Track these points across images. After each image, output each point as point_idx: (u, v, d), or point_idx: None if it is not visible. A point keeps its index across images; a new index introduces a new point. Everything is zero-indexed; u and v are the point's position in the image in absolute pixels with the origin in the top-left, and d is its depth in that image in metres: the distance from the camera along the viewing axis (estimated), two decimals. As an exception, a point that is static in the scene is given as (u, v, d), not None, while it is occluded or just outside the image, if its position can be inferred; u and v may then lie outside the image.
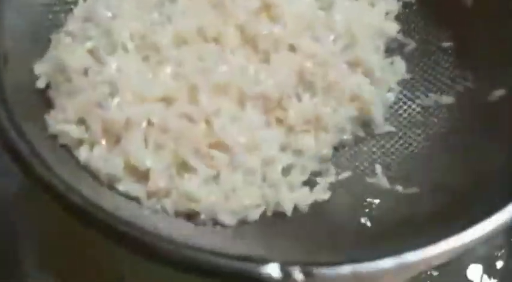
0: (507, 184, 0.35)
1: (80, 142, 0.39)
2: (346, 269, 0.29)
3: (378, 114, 0.46)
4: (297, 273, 0.29)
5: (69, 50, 0.42)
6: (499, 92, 0.42)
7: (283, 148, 0.43)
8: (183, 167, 0.40)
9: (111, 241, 0.32)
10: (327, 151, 0.45)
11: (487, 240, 0.32)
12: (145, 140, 0.40)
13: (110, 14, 0.44)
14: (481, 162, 0.39)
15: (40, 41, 0.44)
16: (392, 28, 0.50)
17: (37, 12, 0.45)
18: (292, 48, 0.45)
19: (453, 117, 0.45)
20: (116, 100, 0.40)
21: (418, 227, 0.36)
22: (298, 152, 0.43)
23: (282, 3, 0.45)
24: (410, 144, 0.46)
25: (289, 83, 0.44)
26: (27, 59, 0.42)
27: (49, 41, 0.44)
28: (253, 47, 0.45)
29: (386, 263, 0.30)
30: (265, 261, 0.30)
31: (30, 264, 0.45)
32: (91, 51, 0.42)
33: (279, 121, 0.44)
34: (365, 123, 0.46)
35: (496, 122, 0.41)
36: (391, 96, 0.48)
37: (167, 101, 0.41)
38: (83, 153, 0.39)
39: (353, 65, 0.47)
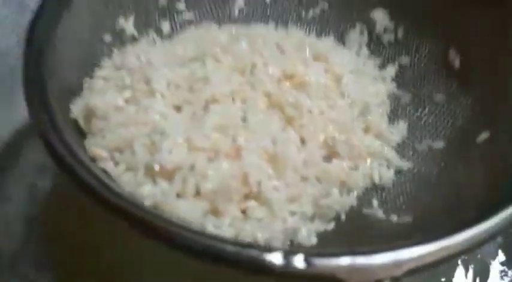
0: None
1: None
2: (345, 260, 0.31)
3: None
4: (299, 261, 0.31)
5: (103, 93, 0.45)
6: (484, 135, 0.47)
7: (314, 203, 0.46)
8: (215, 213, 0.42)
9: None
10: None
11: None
12: (184, 182, 0.42)
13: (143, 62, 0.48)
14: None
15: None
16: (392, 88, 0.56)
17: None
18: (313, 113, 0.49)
19: (443, 158, 0.50)
20: (167, 143, 0.42)
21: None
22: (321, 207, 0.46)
23: (301, 73, 0.51)
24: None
25: (316, 147, 0.48)
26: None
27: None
28: (280, 110, 0.49)
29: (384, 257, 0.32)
30: (269, 249, 0.32)
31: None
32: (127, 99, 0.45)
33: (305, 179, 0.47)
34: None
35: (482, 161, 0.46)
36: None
37: (211, 150, 0.43)
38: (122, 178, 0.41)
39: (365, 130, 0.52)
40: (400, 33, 0.59)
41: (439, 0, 0.56)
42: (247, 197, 0.43)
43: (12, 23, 0.61)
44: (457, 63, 0.55)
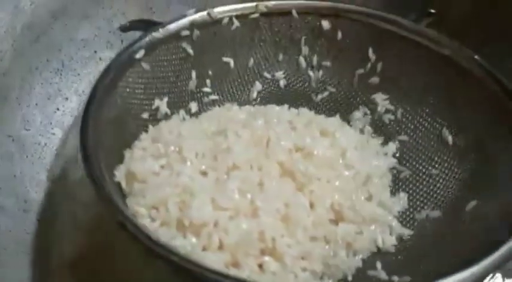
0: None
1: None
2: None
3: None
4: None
5: (142, 161, 0.52)
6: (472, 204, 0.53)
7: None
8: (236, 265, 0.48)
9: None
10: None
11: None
12: (209, 237, 0.48)
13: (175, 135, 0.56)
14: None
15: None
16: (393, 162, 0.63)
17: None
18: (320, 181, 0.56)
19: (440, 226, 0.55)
20: (196, 202, 0.48)
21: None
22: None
23: (310, 146, 0.58)
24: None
25: (323, 210, 0.54)
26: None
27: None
28: (291, 177, 0.55)
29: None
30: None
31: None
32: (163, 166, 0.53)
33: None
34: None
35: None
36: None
37: (232, 210, 0.50)
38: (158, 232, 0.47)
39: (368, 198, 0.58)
40: (399, 114, 0.66)
41: (431, 86, 0.65)
42: (263, 252, 0.49)
43: (6, 26, 0.60)
44: (450, 140, 0.62)
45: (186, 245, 0.47)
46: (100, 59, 0.73)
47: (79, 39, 0.72)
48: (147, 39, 0.61)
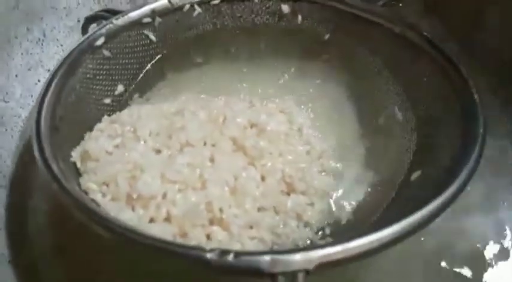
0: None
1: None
2: (267, 256, 0.40)
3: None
4: (230, 257, 0.40)
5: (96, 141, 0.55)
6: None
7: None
8: (184, 236, 0.50)
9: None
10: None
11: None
12: (157, 209, 0.50)
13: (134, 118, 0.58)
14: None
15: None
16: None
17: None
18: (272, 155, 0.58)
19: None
20: (144, 177, 0.51)
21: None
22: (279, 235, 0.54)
23: (264, 122, 0.60)
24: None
25: (274, 182, 0.56)
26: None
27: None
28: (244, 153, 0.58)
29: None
30: (209, 249, 0.41)
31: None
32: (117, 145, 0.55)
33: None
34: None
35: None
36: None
37: (181, 183, 0.52)
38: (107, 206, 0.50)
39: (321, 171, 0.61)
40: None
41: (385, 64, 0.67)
42: (211, 223, 0.52)
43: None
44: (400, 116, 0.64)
45: (133, 217, 0.49)
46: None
47: (61, 7, 0.71)
48: (107, 26, 0.63)
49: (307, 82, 0.71)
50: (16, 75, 0.65)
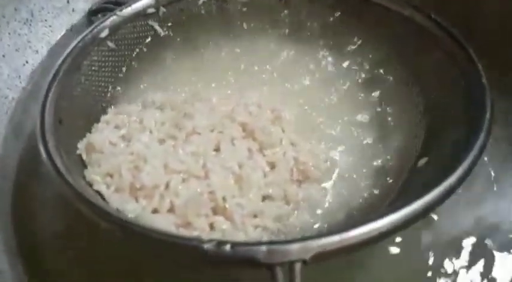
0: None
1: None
2: (263, 247, 0.40)
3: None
4: (227, 248, 0.40)
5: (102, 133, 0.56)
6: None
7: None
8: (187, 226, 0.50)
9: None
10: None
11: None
12: (160, 199, 0.51)
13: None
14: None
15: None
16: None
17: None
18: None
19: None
20: (147, 167, 0.52)
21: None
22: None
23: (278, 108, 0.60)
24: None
25: (284, 170, 0.56)
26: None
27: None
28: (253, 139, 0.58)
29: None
30: (206, 240, 0.41)
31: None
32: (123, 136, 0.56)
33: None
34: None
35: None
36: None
37: (184, 172, 0.53)
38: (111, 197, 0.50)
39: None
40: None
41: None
42: (215, 213, 0.52)
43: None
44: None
45: (137, 208, 0.50)
46: (73, 10, 0.72)
47: None
48: (111, 18, 0.64)
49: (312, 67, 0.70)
50: (3, 56, 0.65)
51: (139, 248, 0.45)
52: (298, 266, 0.39)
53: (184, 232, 0.50)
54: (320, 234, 0.41)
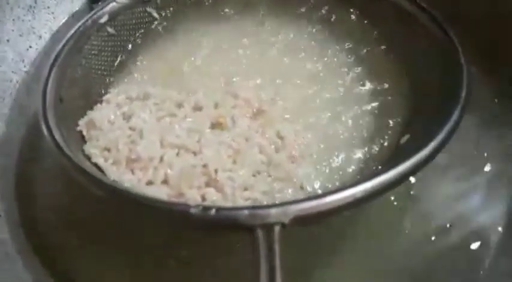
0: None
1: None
2: (245, 211, 0.43)
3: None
4: (212, 211, 0.44)
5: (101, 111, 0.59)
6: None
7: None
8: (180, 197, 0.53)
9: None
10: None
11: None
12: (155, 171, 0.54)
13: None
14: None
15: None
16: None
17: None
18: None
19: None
20: (143, 142, 0.55)
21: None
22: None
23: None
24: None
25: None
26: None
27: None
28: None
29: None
30: (194, 205, 0.44)
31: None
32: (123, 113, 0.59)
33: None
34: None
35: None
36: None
37: (179, 147, 0.56)
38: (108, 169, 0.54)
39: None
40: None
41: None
42: (208, 185, 0.55)
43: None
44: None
45: (133, 179, 0.53)
46: None
47: None
48: (111, 5, 0.67)
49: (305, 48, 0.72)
50: (8, 40, 0.68)
51: (134, 215, 0.48)
52: (277, 229, 0.43)
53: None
54: (298, 200, 0.44)
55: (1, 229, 0.58)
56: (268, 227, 0.43)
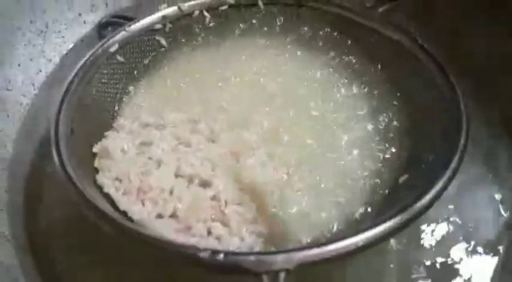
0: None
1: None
2: (251, 257, 0.45)
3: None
4: (220, 256, 0.45)
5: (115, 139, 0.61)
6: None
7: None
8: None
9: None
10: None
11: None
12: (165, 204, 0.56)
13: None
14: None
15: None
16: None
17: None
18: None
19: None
20: (156, 172, 0.58)
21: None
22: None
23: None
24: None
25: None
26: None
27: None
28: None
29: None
30: (203, 249, 0.46)
31: None
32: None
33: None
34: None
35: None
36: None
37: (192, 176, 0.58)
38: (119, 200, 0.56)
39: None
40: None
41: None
42: (215, 219, 0.57)
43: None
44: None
45: (142, 211, 0.55)
46: (84, 22, 0.78)
47: (63, 0, 0.76)
48: (121, 33, 0.69)
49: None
50: (19, 65, 0.70)
51: (143, 253, 0.50)
52: (282, 275, 0.45)
53: (182, 237, 0.55)
54: (302, 247, 0.46)
55: (9, 254, 0.59)
56: (273, 273, 0.45)
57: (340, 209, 0.61)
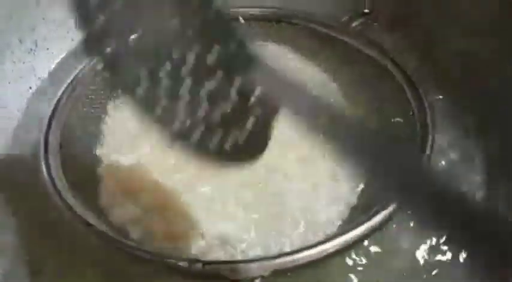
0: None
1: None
2: (227, 265, 0.49)
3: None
4: (198, 265, 0.49)
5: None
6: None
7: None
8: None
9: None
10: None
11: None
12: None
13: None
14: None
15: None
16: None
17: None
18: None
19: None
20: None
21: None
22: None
23: None
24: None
25: None
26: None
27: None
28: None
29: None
30: (182, 258, 0.50)
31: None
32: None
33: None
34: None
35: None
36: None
37: None
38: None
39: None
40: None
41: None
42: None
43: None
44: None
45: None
46: (72, 39, 0.80)
47: (52, 18, 0.77)
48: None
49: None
50: (9, 83, 0.72)
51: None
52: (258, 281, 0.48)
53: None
54: (276, 255, 0.50)
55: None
56: (249, 280, 0.48)
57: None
